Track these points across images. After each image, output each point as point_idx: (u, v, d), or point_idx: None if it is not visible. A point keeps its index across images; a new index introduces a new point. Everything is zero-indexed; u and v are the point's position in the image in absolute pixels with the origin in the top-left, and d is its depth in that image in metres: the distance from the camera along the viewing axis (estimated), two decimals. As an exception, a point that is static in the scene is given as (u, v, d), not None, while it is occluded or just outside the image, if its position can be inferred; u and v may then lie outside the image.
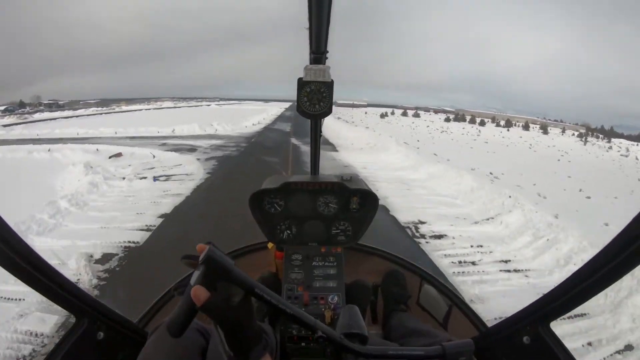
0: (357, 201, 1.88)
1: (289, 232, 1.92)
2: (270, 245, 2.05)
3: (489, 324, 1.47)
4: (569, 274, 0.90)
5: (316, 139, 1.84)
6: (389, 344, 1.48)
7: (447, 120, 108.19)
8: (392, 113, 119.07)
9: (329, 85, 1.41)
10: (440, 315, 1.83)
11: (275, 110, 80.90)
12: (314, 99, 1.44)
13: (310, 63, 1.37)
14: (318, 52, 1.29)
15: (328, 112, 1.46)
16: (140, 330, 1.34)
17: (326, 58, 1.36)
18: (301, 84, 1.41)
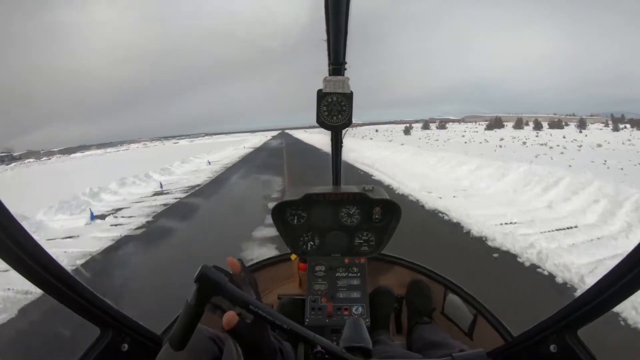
0: (379, 211, 1.87)
1: (311, 243, 1.91)
2: (293, 256, 2.05)
3: (515, 333, 1.41)
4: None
5: (337, 151, 1.85)
6: (405, 354, 1.49)
7: (489, 128, 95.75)
8: (411, 127, 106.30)
9: (349, 96, 1.43)
10: (465, 325, 1.75)
11: (255, 140, 74.90)
12: (334, 111, 1.45)
13: (330, 75, 1.38)
14: (337, 63, 1.31)
15: (348, 123, 1.48)
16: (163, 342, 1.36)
17: (345, 69, 1.37)
18: (320, 95, 1.42)
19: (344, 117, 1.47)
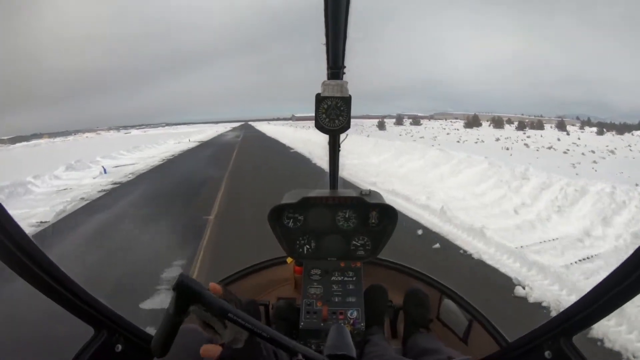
0: (376, 215, 1.87)
1: (308, 246, 1.90)
2: (289, 260, 2.05)
3: (511, 339, 1.42)
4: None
5: (335, 154, 1.87)
6: (395, 357, 1.44)
7: (468, 126, 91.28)
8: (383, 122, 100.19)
9: (347, 100, 1.44)
10: (460, 330, 1.76)
11: (209, 132, 70.76)
12: (332, 115, 1.46)
13: (328, 78, 1.39)
14: (335, 67, 1.33)
15: (346, 127, 1.51)
16: None
17: (344, 73, 1.38)
18: (319, 99, 1.44)
19: (342, 120, 1.49)
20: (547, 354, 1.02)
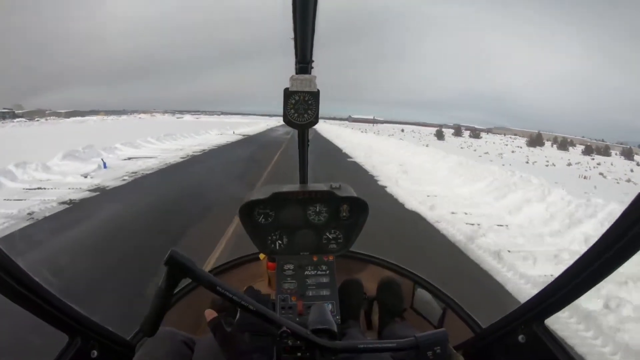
0: (347, 209, 1.86)
1: (280, 242, 1.87)
2: (262, 256, 2.05)
3: (484, 325, 1.43)
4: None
5: (304, 149, 1.87)
6: (363, 338, 1.54)
7: (531, 144, 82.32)
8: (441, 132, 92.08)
9: (316, 95, 1.41)
10: (435, 319, 1.78)
11: (260, 125, 66.97)
12: (301, 109, 1.44)
13: (296, 73, 1.37)
14: (304, 61, 1.32)
15: (315, 121, 1.47)
16: (133, 347, 1.29)
17: (312, 68, 1.37)
18: (287, 94, 1.41)
19: (310, 115, 1.45)
20: (520, 337, 1.06)
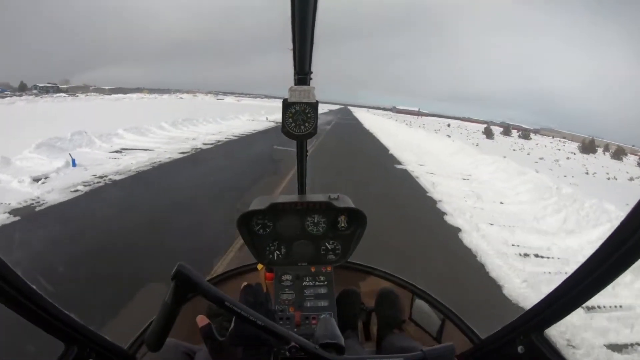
0: (345, 220, 1.85)
1: (278, 252, 1.87)
2: (260, 266, 2.03)
3: (483, 335, 1.41)
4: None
5: (302, 160, 1.87)
6: (362, 349, 1.50)
7: (584, 150, 73.03)
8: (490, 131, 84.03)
9: (314, 106, 1.42)
10: (433, 330, 1.77)
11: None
12: (299, 120, 1.43)
13: (295, 84, 1.39)
14: (302, 73, 1.32)
15: (313, 132, 1.47)
16: (130, 356, 1.28)
17: (310, 79, 1.38)
18: (286, 105, 1.42)
19: (309, 126, 1.45)
20: (520, 349, 1.04)
